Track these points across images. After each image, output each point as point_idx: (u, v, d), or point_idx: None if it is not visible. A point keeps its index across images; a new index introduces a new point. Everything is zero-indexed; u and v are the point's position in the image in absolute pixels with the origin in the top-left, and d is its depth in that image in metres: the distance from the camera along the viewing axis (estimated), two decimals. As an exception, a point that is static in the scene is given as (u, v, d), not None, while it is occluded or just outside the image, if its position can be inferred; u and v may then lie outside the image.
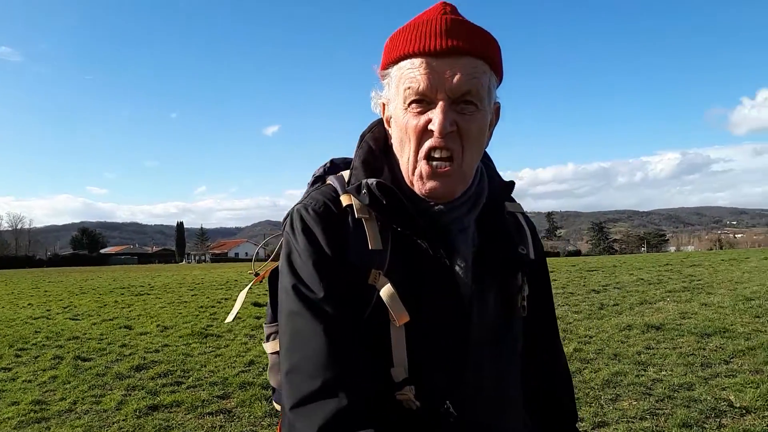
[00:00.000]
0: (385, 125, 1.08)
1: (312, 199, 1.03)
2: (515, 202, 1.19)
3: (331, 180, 1.08)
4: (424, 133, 0.95)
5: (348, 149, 1.14)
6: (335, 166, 1.15)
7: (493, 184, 1.11)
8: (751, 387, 4.77)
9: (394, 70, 0.99)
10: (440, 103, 0.92)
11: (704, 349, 6.17)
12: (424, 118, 0.94)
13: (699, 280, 12.93)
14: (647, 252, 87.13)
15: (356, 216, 0.99)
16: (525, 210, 1.22)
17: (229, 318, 1.33)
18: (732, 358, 5.78)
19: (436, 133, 0.92)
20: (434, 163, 0.95)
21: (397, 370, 0.96)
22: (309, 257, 0.97)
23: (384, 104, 1.06)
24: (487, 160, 1.15)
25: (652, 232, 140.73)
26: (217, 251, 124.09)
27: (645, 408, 4.41)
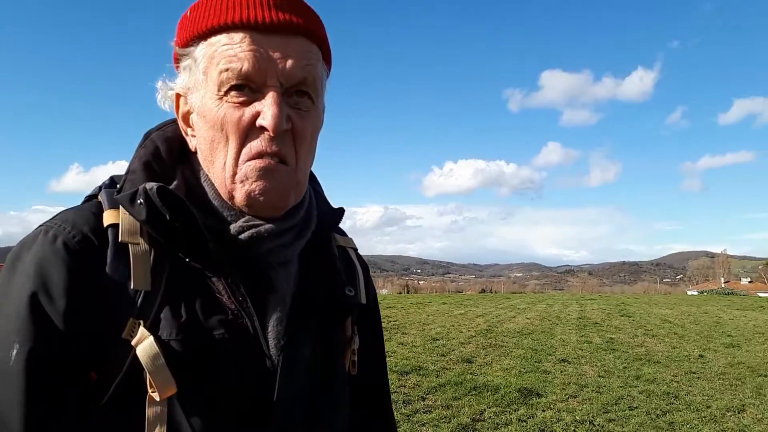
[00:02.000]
0: (181, 124, 0.83)
1: (56, 222, 0.75)
2: (345, 235, 1.00)
3: (101, 195, 0.80)
4: (249, 130, 0.73)
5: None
6: (114, 183, 0.82)
7: (321, 210, 0.89)
8: (444, 421, 5.18)
9: (202, 48, 0.75)
10: (271, 93, 0.72)
11: (404, 386, 6.56)
12: (249, 111, 0.73)
13: (395, 320, 14.21)
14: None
15: (120, 240, 0.73)
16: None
17: None
18: (427, 394, 6.24)
19: (269, 131, 0.72)
20: (266, 158, 0.74)
21: None
22: (29, 300, 0.69)
23: (179, 95, 0.81)
24: (313, 181, 0.93)
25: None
26: None
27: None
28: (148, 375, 0.69)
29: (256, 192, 0.74)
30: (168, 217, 0.73)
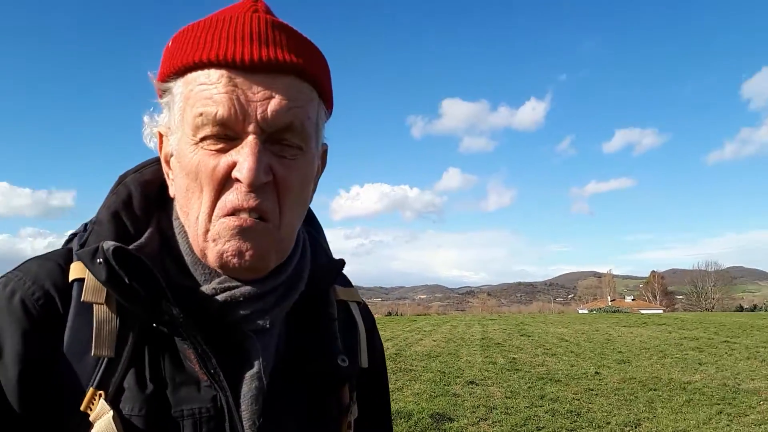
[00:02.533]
0: (164, 166, 0.73)
1: (18, 274, 0.68)
2: (350, 286, 0.89)
3: (74, 241, 0.72)
4: (225, 181, 0.64)
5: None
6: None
7: (317, 261, 0.79)
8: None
9: (180, 86, 0.67)
10: (250, 139, 0.63)
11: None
12: (225, 160, 0.64)
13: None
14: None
15: (83, 299, 0.66)
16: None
17: None
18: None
19: (244, 185, 0.63)
20: (241, 215, 0.64)
21: None
22: None
23: (161, 135, 0.72)
24: (311, 227, 0.84)
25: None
26: None
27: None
28: None
29: (229, 254, 0.65)
30: (127, 280, 0.64)
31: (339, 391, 0.78)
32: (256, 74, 0.63)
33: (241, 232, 0.64)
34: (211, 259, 0.66)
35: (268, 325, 0.70)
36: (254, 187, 0.63)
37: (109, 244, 0.64)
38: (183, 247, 0.70)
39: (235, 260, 0.65)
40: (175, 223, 0.72)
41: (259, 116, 0.62)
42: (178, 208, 0.71)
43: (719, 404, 7.29)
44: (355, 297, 0.88)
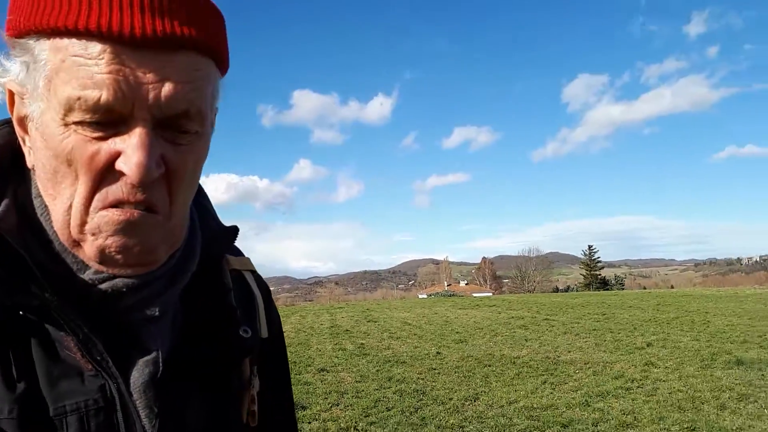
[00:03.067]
0: (17, 128, 0.60)
1: None
2: (241, 254, 0.82)
3: None
4: (107, 171, 0.54)
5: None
6: None
7: (208, 233, 0.72)
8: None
9: (45, 49, 0.53)
10: (139, 129, 0.53)
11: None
12: (107, 147, 0.53)
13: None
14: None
15: None
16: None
17: None
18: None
19: (132, 180, 0.53)
20: (127, 210, 0.55)
21: None
22: None
23: (13, 93, 0.58)
24: (199, 197, 0.73)
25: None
26: None
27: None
28: None
29: (112, 249, 0.56)
30: None
31: (241, 364, 0.73)
32: (147, 51, 0.52)
33: (127, 227, 0.55)
34: (90, 253, 0.57)
35: (157, 313, 0.62)
36: (144, 183, 0.54)
37: None
38: (48, 231, 0.60)
39: (119, 257, 0.57)
40: (36, 201, 0.61)
41: (150, 101, 0.53)
42: (41, 187, 0.59)
43: (543, 375, 8.14)
44: (249, 266, 0.82)
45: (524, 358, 9.64)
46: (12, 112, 0.60)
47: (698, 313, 16.80)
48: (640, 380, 7.55)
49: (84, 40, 0.52)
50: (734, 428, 5.29)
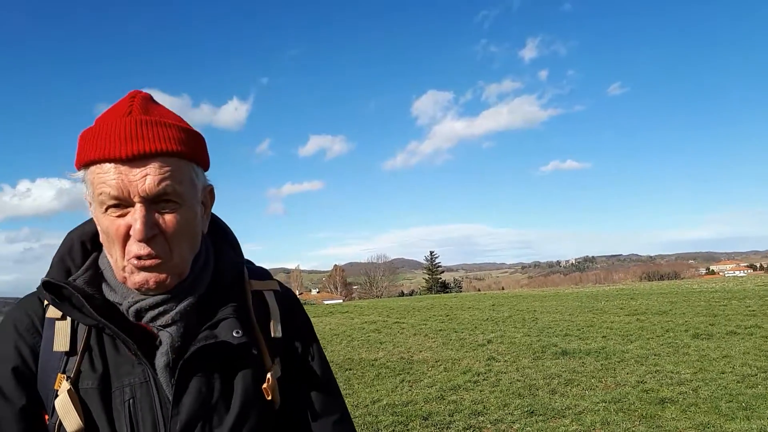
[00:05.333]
0: (95, 221, 1.02)
1: (20, 301, 1.06)
2: (266, 278, 1.16)
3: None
4: (126, 236, 0.94)
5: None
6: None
7: (224, 266, 1.09)
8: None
9: (88, 174, 0.96)
10: (138, 206, 0.92)
11: None
12: (124, 222, 0.94)
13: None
14: None
15: (47, 316, 1.01)
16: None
17: None
18: None
19: (137, 239, 0.92)
20: (141, 258, 0.93)
21: None
22: None
23: (89, 202, 1.01)
24: (223, 242, 1.14)
25: None
26: None
27: None
28: (60, 416, 0.95)
29: (138, 283, 0.95)
30: (56, 303, 0.98)
31: (249, 354, 1.04)
32: (132, 162, 0.91)
33: (143, 269, 0.94)
34: (130, 285, 0.97)
35: (170, 321, 0.99)
36: (144, 240, 0.91)
37: (42, 280, 0.99)
38: (110, 275, 1.02)
39: (143, 287, 0.96)
40: (105, 260, 1.04)
41: (140, 191, 0.91)
42: (105, 250, 1.00)
43: (401, 374, 8.66)
44: (270, 286, 1.14)
45: (381, 359, 10.13)
46: (90, 210, 1.01)
47: (528, 311, 18.77)
48: (485, 373, 8.37)
49: (101, 164, 0.92)
50: (563, 408, 6.15)
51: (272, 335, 1.07)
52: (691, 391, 6.48)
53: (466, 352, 10.59)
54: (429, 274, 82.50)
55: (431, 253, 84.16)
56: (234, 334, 1.00)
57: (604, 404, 6.17)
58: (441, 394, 7.15)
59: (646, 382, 7.14)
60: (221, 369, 1.01)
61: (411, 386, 7.85)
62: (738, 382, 6.78)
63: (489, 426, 5.71)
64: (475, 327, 14.71)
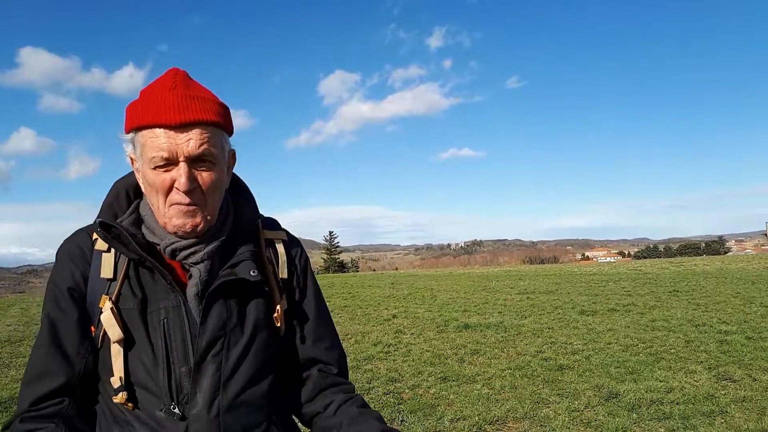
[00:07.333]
0: (137, 175, 1.22)
1: (72, 234, 1.25)
2: (276, 229, 1.37)
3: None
4: (170, 188, 1.13)
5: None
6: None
7: (242, 217, 1.29)
8: None
9: (138, 137, 1.14)
10: (181, 165, 1.11)
11: None
12: (169, 176, 1.12)
13: None
14: None
15: (95, 249, 1.20)
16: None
17: None
18: None
19: (181, 190, 1.12)
20: (181, 206, 1.14)
21: (114, 379, 1.15)
22: (51, 285, 1.21)
23: (132, 159, 1.20)
24: (242, 197, 1.33)
25: None
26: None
27: None
28: (105, 328, 1.14)
29: (177, 226, 1.16)
30: (107, 239, 1.18)
31: (261, 289, 1.25)
32: (179, 128, 1.10)
33: (181, 215, 1.15)
34: (169, 228, 1.18)
35: (200, 259, 1.20)
36: (187, 191, 1.12)
37: (97, 220, 1.19)
38: (150, 220, 1.21)
39: (181, 229, 1.16)
40: (146, 208, 1.23)
41: (185, 152, 1.10)
42: (147, 199, 1.20)
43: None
44: (279, 236, 1.36)
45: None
46: (132, 166, 1.21)
47: (426, 289, 19.44)
48: (395, 345, 8.63)
49: (153, 129, 1.11)
50: (473, 374, 6.52)
51: (279, 276, 1.30)
52: (584, 359, 7.12)
53: (373, 326, 10.82)
54: (327, 254, 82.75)
55: (330, 233, 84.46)
56: (251, 273, 1.20)
57: (509, 371, 6.62)
58: (356, 364, 7.30)
59: (544, 351, 7.73)
60: (239, 300, 1.22)
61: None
62: (623, 351, 7.54)
63: (407, 391, 5.94)
64: (378, 303, 15.02)
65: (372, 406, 5.29)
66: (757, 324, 9.09)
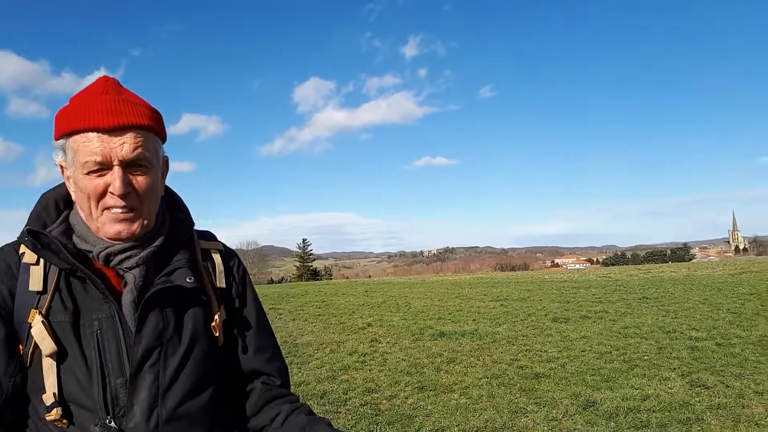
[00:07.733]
0: (67, 183, 1.19)
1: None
2: (212, 240, 1.36)
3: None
4: (104, 193, 1.11)
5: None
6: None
7: (178, 226, 1.27)
8: None
9: (70, 142, 1.12)
10: (116, 168, 1.09)
11: None
12: (103, 180, 1.10)
13: None
14: None
15: (23, 262, 1.15)
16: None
17: None
18: None
19: (116, 194, 1.09)
20: (116, 210, 1.12)
21: (47, 396, 1.09)
22: None
23: (62, 166, 1.17)
24: (176, 208, 1.31)
25: None
26: None
27: None
28: (38, 343, 1.09)
29: (113, 233, 1.14)
30: (36, 248, 1.13)
31: (199, 298, 1.22)
32: (112, 132, 1.08)
33: (117, 221, 1.13)
34: (103, 235, 1.15)
35: (135, 264, 1.16)
36: (122, 195, 1.09)
37: (25, 229, 1.13)
38: (82, 228, 1.17)
39: (116, 236, 1.14)
40: (76, 217, 1.20)
41: (118, 155, 1.09)
42: (78, 208, 1.18)
43: (288, 357, 8.49)
44: (215, 246, 1.34)
45: (264, 343, 9.90)
46: (63, 175, 1.18)
47: (400, 297, 19.41)
48: (371, 354, 8.55)
49: (86, 134, 1.08)
50: (451, 383, 6.47)
51: (217, 285, 1.28)
52: (559, 367, 7.14)
53: (348, 335, 10.72)
54: (300, 262, 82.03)
55: (304, 240, 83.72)
56: (187, 280, 1.18)
57: (486, 380, 6.60)
58: (332, 374, 7.19)
59: (519, 359, 7.74)
60: (176, 309, 1.19)
61: (300, 368, 7.79)
62: (597, 358, 7.59)
63: (384, 401, 5.86)
64: (353, 312, 14.92)
65: (349, 418, 5.22)
66: (725, 330, 9.27)
